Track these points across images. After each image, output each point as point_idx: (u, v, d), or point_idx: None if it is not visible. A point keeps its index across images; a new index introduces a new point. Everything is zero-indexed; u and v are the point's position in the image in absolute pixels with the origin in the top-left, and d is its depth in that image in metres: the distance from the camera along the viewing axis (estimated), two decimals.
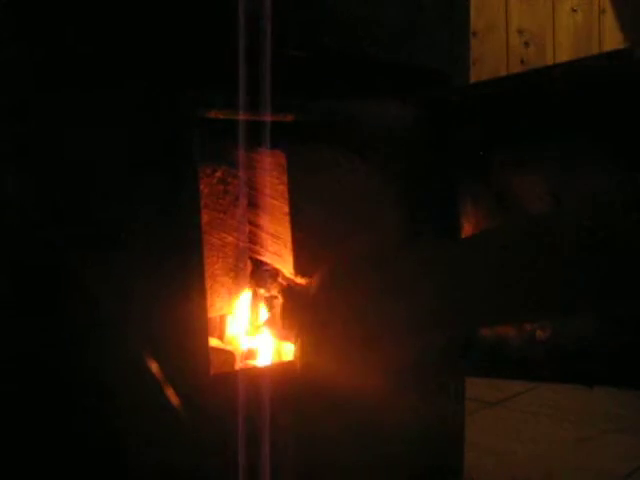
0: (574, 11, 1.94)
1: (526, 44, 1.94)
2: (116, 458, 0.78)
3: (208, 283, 0.94)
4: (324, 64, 0.96)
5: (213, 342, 1.08)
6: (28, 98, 0.74)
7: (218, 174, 1.10)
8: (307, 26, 0.92)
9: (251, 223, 1.10)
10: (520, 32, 1.95)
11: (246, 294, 1.14)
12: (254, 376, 0.92)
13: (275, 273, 1.14)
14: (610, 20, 1.90)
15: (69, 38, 0.75)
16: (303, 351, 0.87)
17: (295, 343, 0.91)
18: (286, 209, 1.03)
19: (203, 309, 0.85)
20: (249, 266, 1.14)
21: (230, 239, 1.10)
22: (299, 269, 1.04)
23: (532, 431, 1.53)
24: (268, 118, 0.92)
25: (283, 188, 1.03)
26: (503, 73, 1.93)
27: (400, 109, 1.13)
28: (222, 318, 1.17)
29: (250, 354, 1.15)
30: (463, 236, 1.16)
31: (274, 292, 1.19)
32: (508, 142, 1.58)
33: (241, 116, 0.90)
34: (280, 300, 0.96)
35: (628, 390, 1.74)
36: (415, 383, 1.05)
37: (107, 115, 0.79)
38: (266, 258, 1.10)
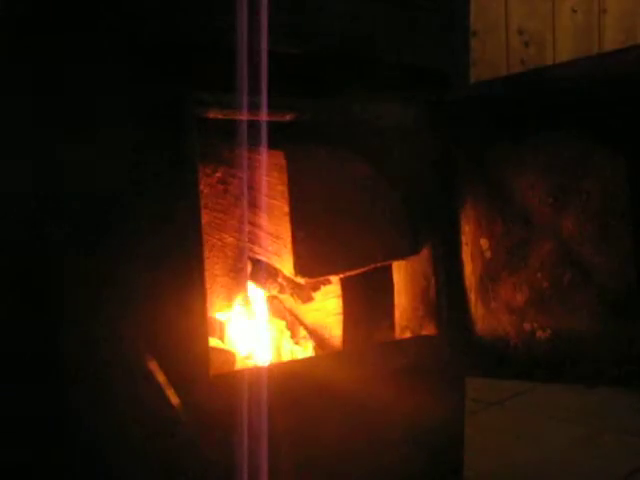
0: (574, 11, 1.93)
1: (526, 44, 1.94)
2: (114, 458, 0.78)
3: (208, 283, 0.94)
4: (324, 64, 0.96)
5: (213, 342, 1.08)
6: (28, 101, 0.74)
7: (218, 174, 1.10)
8: (307, 26, 0.92)
9: (251, 223, 1.10)
10: (520, 32, 1.95)
11: (246, 294, 1.14)
12: (254, 376, 0.91)
13: (275, 273, 1.14)
14: (610, 20, 1.90)
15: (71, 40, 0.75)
16: None
17: None
18: (286, 209, 1.03)
19: (203, 309, 0.85)
20: (249, 266, 1.14)
21: (230, 239, 1.10)
22: (299, 269, 1.04)
23: (531, 431, 1.53)
24: (268, 118, 0.92)
25: (283, 188, 1.03)
26: (503, 73, 1.93)
27: (400, 109, 1.13)
28: (222, 318, 1.17)
29: (250, 354, 1.15)
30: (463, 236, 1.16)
31: (274, 292, 1.19)
32: (508, 141, 1.58)
33: (241, 116, 0.90)
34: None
35: (628, 390, 1.74)
36: (415, 383, 1.05)
37: (108, 116, 0.79)
38: (266, 258, 1.11)
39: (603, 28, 1.79)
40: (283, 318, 1.27)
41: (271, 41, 0.84)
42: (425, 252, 1.15)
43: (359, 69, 1.01)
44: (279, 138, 1.00)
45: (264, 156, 1.03)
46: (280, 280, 1.14)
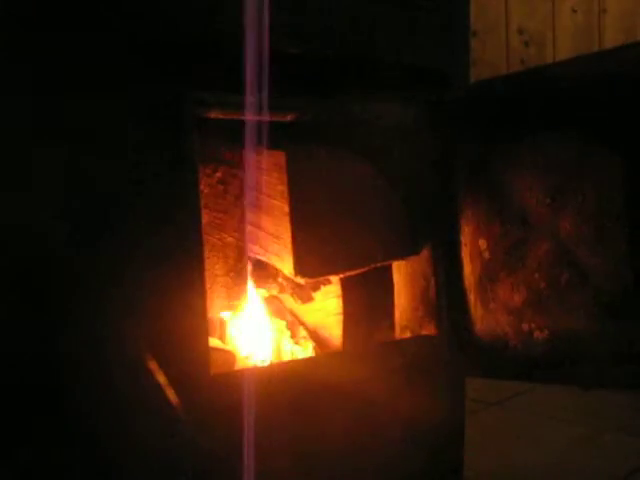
0: (574, 11, 1.93)
1: (526, 44, 1.94)
2: (114, 458, 0.78)
3: (208, 283, 0.94)
4: (325, 64, 0.96)
5: (213, 342, 1.08)
6: (28, 101, 0.74)
7: (218, 174, 1.10)
8: (308, 26, 0.92)
9: (251, 223, 1.10)
10: (520, 32, 1.95)
11: (246, 294, 1.14)
12: (254, 376, 0.91)
13: (275, 273, 1.14)
14: (610, 20, 1.90)
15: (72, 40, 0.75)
16: None
17: None
18: (286, 209, 1.03)
19: (203, 309, 0.85)
20: (249, 266, 1.14)
21: (230, 239, 1.10)
22: (299, 269, 1.04)
23: (531, 431, 1.53)
24: (268, 118, 0.92)
25: (283, 188, 1.03)
26: (503, 73, 1.93)
27: (400, 109, 1.13)
28: (222, 318, 1.17)
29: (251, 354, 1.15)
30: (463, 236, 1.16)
31: (274, 292, 1.19)
32: (508, 141, 1.58)
33: (242, 116, 0.90)
34: None
35: (628, 390, 1.74)
36: (415, 383, 1.05)
37: (108, 115, 0.78)
38: (266, 258, 1.11)
39: (603, 28, 1.79)
40: (283, 318, 1.27)
41: (272, 41, 0.84)
42: (425, 252, 1.15)
43: (359, 69, 1.01)
44: (280, 138, 1.00)
45: (264, 156, 1.03)
46: (280, 280, 1.14)
